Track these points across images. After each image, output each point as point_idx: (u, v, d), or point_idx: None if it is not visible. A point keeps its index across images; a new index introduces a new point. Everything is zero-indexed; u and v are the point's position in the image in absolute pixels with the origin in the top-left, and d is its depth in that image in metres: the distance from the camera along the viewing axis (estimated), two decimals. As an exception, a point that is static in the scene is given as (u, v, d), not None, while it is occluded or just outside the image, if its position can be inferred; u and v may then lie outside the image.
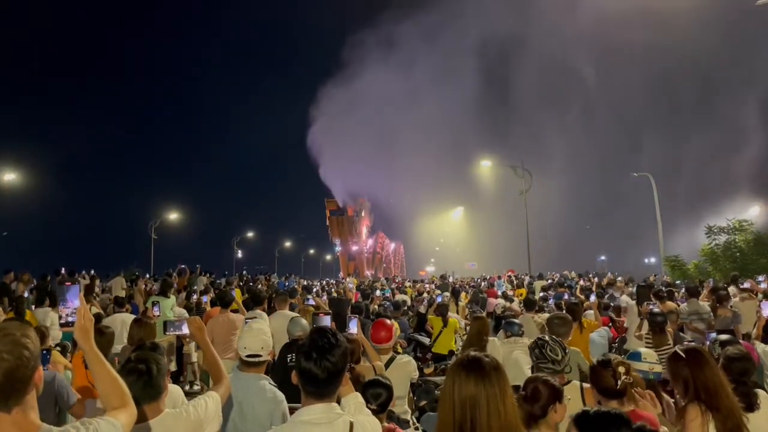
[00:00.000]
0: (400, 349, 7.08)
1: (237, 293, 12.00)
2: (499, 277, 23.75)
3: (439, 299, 10.88)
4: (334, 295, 15.56)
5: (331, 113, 60.79)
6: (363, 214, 58.47)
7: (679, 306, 8.69)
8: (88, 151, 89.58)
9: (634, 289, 10.23)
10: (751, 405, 3.09)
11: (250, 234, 56.90)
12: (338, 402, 2.24)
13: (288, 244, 66.25)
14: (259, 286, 16.47)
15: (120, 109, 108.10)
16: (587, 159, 57.82)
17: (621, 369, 3.01)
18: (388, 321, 5.21)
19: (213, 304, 10.60)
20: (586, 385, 3.46)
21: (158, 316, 7.52)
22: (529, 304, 8.40)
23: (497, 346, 5.74)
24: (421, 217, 65.70)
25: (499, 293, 14.12)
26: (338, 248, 55.83)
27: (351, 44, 62.08)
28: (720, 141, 47.97)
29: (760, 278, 13.25)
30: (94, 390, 4.22)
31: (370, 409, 2.95)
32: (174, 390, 3.17)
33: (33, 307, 9.64)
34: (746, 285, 11.56)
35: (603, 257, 58.38)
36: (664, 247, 26.87)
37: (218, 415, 2.68)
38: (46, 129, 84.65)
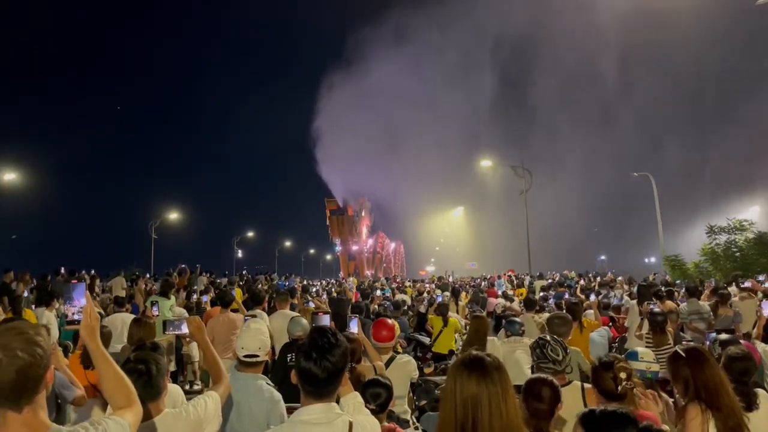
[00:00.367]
0: (400, 349, 7.07)
1: (237, 293, 12.01)
2: (500, 277, 23.74)
3: (439, 299, 10.87)
4: (334, 294, 15.55)
5: (331, 113, 60.87)
6: (363, 213, 58.48)
7: (679, 306, 8.68)
8: (88, 151, 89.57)
9: (635, 289, 10.23)
10: (751, 404, 3.09)
11: (250, 234, 56.85)
12: (337, 402, 2.24)
13: (288, 243, 66.21)
14: (260, 285, 16.45)
15: (120, 109, 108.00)
16: (587, 159, 57.87)
17: (622, 375, 2.99)
18: (390, 321, 5.20)
19: (213, 303, 10.59)
20: (587, 386, 3.45)
21: (157, 315, 7.53)
22: (530, 304, 8.40)
23: (497, 346, 5.74)
24: (421, 216, 65.73)
25: (500, 293, 14.13)
26: (338, 248, 55.86)
27: (350, 45, 62.37)
28: (726, 143, 47.90)
29: (761, 278, 13.26)
30: (93, 389, 4.24)
31: (369, 409, 2.95)
32: (174, 390, 3.16)
33: (33, 306, 9.64)
34: (747, 284, 11.56)
35: (603, 257, 58.40)
36: (664, 247, 26.89)
37: (218, 415, 2.68)
38: (46, 129, 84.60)
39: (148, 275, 21.41)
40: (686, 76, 52.76)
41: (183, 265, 17.57)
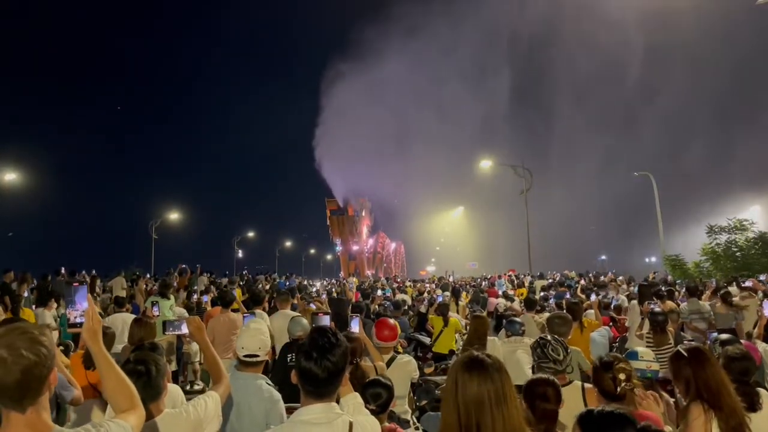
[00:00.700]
0: (400, 349, 7.07)
1: (238, 293, 12.02)
2: (500, 277, 23.74)
3: (439, 299, 10.86)
4: (334, 294, 15.54)
5: (331, 113, 60.91)
6: (363, 213, 58.51)
7: (679, 305, 8.68)
8: (88, 151, 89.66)
9: (634, 289, 10.22)
10: (754, 405, 3.08)
11: (250, 234, 56.87)
12: (337, 402, 2.23)
13: (288, 243, 66.19)
14: (260, 285, 16.45)
15: (120, 109, 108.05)
16: (588, 159, 57.86)
17: (622, 376, 2.98)
18: (391, 320, 5.19)
19: (213, 303, 10.60)
20: (588, 386, 3.45)
21: (157, 315, 7.53)
22: (530, 304, 8.40)
23: (497, 346, 5.73)
24: (422, 216, 65.75)
25: (500, 293, 14.12)
26: (339, 248, 55.91)
27: (350, 45, 62.33)
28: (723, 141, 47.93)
29: (762, 277, 13.25)
30: (93, 390, 4.23)
31: (369, 409, 2.94)
32: (174, 390, 3.15)
33: (33, 306, 9.64)
34: (748, 284, 11.54)
35: (603, 257, 58.39)
36: (664, 247, 26.87)
37: (218, 415, 2.67)
38: (46, 129, 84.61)
39: (148, 275, 21.42)
40: (686, 76, 52.83)
41: (183, 265, 17.59)
